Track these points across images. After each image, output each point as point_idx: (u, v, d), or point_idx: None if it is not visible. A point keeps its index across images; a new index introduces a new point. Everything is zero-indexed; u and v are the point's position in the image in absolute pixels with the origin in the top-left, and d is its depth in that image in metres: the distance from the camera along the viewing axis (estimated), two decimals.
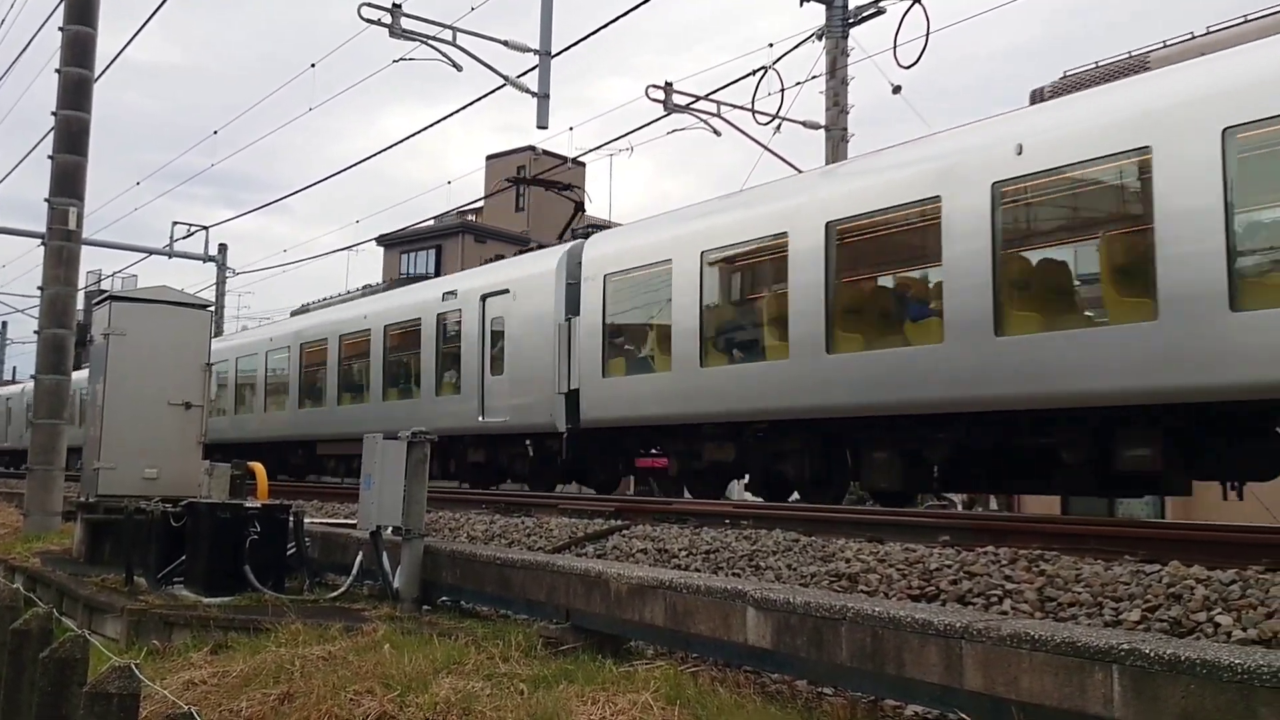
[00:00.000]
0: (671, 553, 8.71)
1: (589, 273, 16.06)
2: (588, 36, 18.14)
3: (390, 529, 8.70)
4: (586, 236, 17.35)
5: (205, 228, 37.24)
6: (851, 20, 18.33)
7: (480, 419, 18.00)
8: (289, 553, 9.78)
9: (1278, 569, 5.82)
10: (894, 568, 7.00)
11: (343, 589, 9.28)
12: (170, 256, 36.80)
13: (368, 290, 25.29)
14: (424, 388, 19.82)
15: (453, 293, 19.41)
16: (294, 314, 27.28)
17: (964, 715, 4.53)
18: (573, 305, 16.37)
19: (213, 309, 16.59)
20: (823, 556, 7.66)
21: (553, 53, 17.20)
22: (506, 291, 17.78)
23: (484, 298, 18.25)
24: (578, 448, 16.61)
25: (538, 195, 45.15)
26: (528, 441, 17.73)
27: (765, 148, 18.56)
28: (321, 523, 11.91)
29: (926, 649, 4.66)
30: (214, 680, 6.63)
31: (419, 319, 20.18)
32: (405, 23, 16.78)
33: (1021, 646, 4.27)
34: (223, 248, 39.29)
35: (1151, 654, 3.86)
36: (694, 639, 6.06)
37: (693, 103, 18.86)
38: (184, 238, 36.69)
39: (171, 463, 12.14)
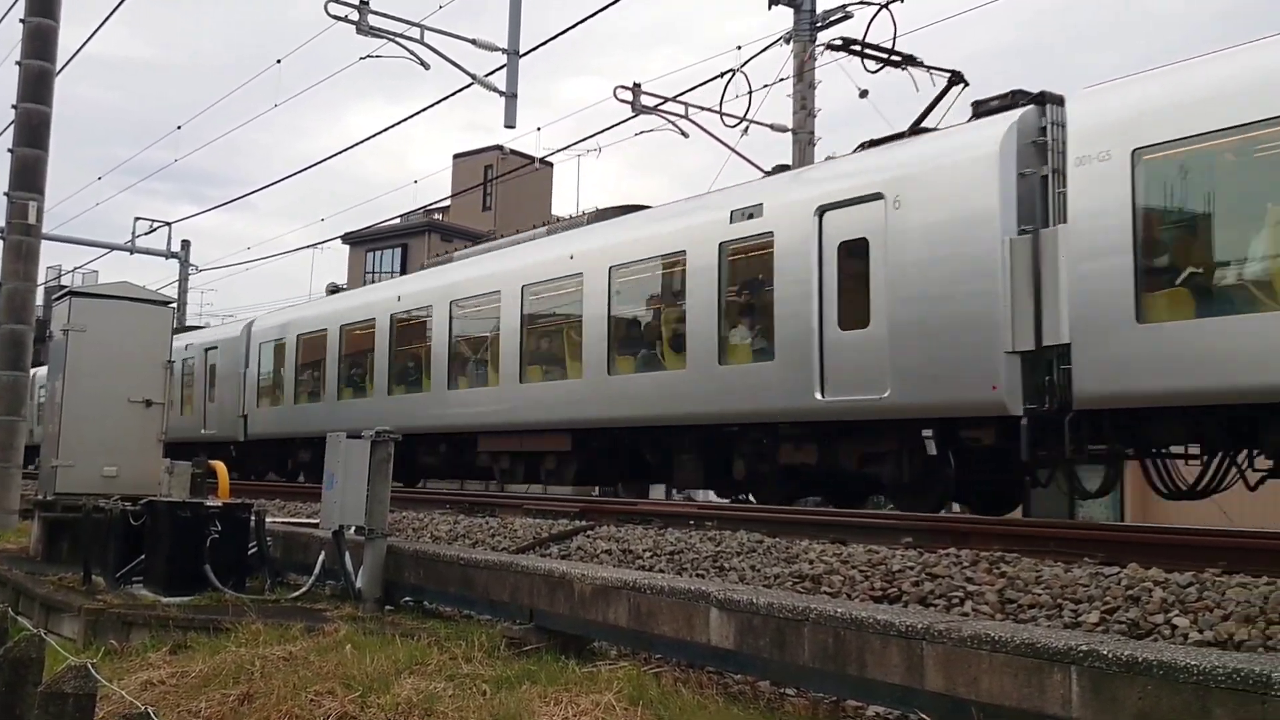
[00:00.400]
0: (636, 554, 8.72)
1: (1088, 150, 9.96)
2: (557, 36, 18.13)
3: (353, 529, 8.64)
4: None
5: (168, 224, 36.90)
6: (819, 24, 18.42)
7: (819, 397, 11.74)
8: (250, 552, 9.69)
9: (1234, 572, 5.91)
10: (857, 569, 7.04)
11: (304, 589, 9.21)
12: (132, 252, 36.38)
13: (552, 227, 18.03)
14: (695, 353, 13.41)
15: (752, 210, 12.94)
16: (429, 264, 21.11)
17: (925, 716, 4.55)
18: (1028, 209, 10.62)
19: (175, 306, 16.42)
20: (786, 558, 7.70)
21: (521, 52, 17.17)
22: (876, 197, 11.47)
23: (823, 211, 11.98)
24: (1038, 442, 10.35)
25: (505, 194, 45.06)
26: (927, 433, 11.16)
27: (733, 150, 18.62)
28: (284, 522, 11.82)
29: (888, 650, 4.68)
30: (173, 680, 6.57)
31: (681, 254, 13.82)
32: (372, 19, 16.70)
33: (982, 647, 4.31)
34: (185, 244, 38.91)
35: (1109, 655, 3.90)
36: (657, 639, 6.06)
37: (661, 104, 18.89)
38: (146, 233, 36.33)
39: (131, 461, 12.01)
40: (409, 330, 19.73)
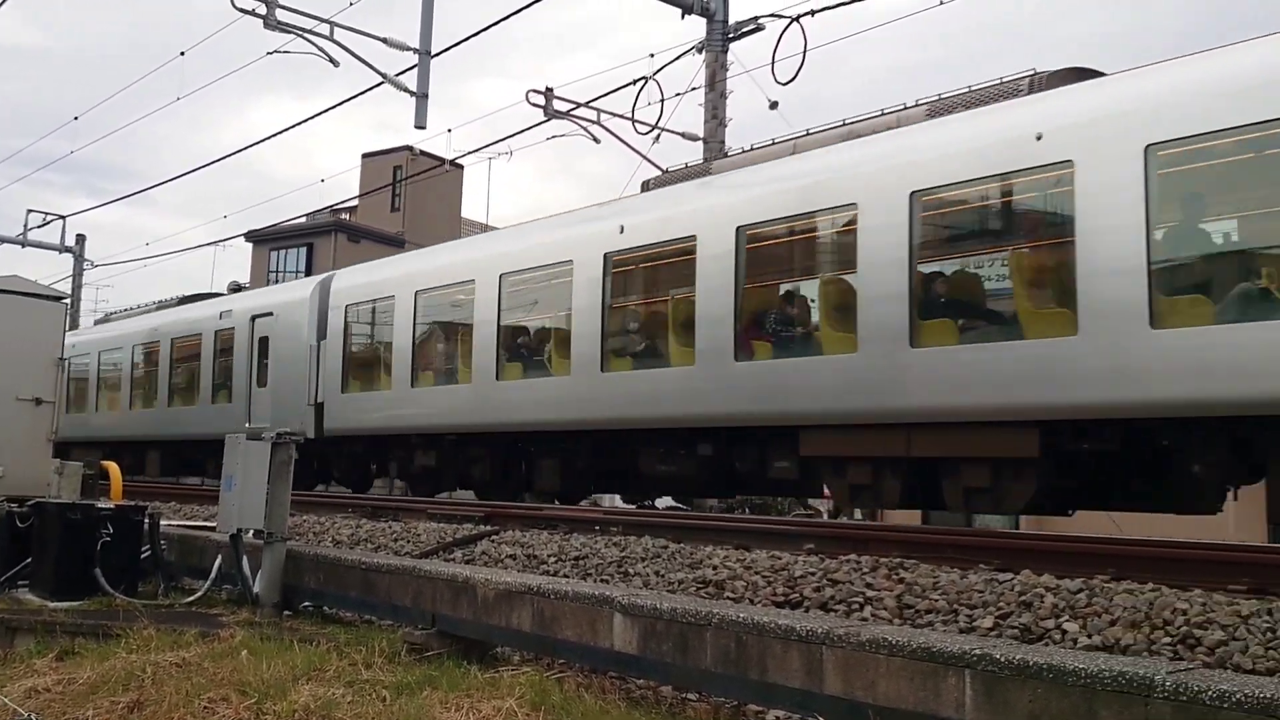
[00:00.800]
0: (540, 559, 8.69)
1: None
2: (470, 38, 18.03)
3: (251, 532, 8.48)
4: None
5: (62, 217, 35.76)
6: (731, 35, 18.59)
7: None
8: (144, 556, 9.46)
9: (1122, 578, 6.10)
10: (760, 575, 7.10)
11: (199, 593, 9.01)
12: (24, 246, 35.17)
13: (935, 106, 11.11)
14: None
15: None
16: (651, 185, 14.15)
17: (823, 719, 4.62)
18: None
19: (68, 301, 15.93)
20: (690, 563, 7.73)
21: (433, 52, 17.02)
22: None
23: None
24: None
25: (415, 196, 44.65)
26: None
27: (644, 157, 18.70)
28: (179, 525, 11.55)
29: (789, 654, 4.74)
30: (59, 687, 6.38)
31: None
32: (280, 14, 16.41)
33: (880, 652, 4.38)
34: (80, 238, 37.78)
35: (1002, 659, 4.00)
36: (561, 644, 6.06)
37: (573, 109, 18.89)
38: (39, 226, 35.17)
39: (19, 461, 11.59)
40: (647, 275, 13.24)
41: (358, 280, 18.15)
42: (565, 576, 7.94)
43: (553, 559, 8.60)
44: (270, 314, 19.97)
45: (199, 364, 21.74)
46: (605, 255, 13.21)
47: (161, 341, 23.22)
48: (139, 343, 24.39)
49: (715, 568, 7.44)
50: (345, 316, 17.88)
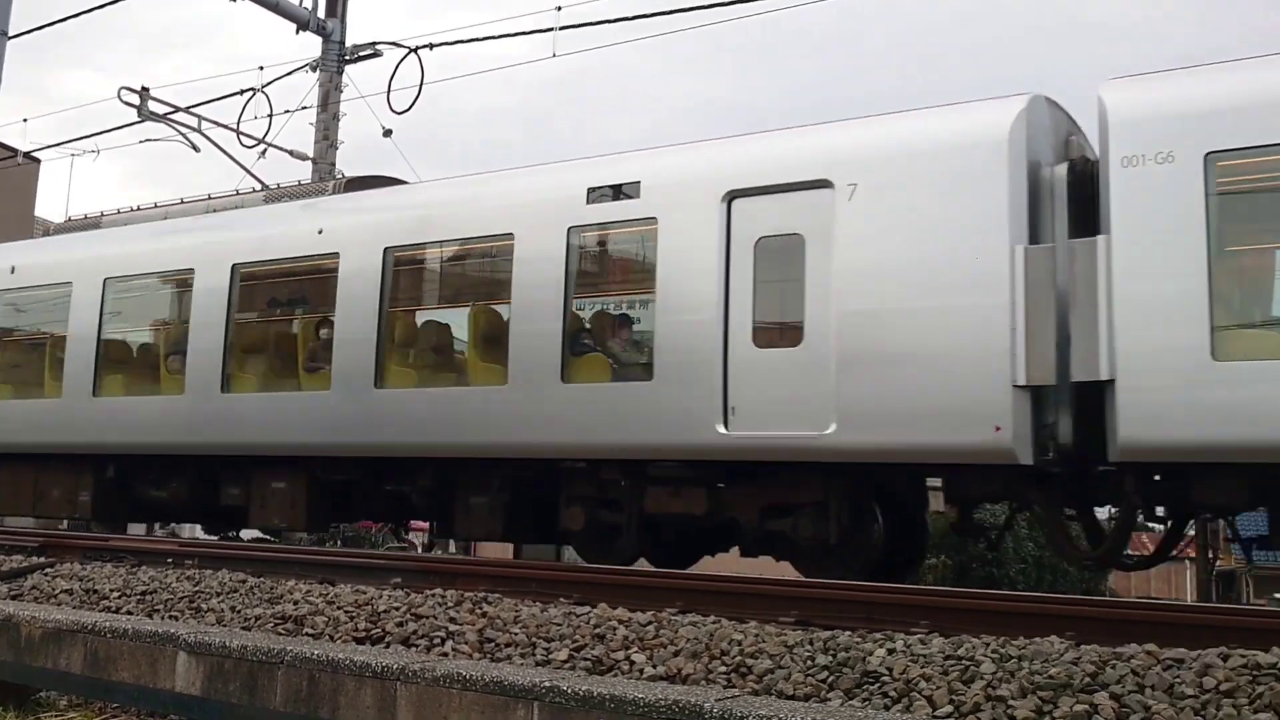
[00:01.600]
0: (102, 594, 8.03)
1: None
2: (59, 22, 16.57)
3: None
4: None
5: None
6: (348, 58, 18.28)
7: None
8: None
9: (689, 611, 6.50)
10: (343, 609, 6.94)
11: None
12: None
13: None
14: None
15: None
16: None
17: None
18: None
19: None
20: (270, 598, 7.43)
21: (10, 33, 15.45)
22: None
23: None
24: None
25: None
26: None
27: (248, 171, 17.87)
28: None
29: (363, 691, 4.67)
30: None
31: None
32: None
33: (454, 686, 4.42)
34: None
35: (569, 690, 4.16)
36: (116, 687, 5.64)
37: (171, 113, 17.77)
38: None
39: None
40: None
41: None
42: (129, 613, 7.38)
43: (116, 594, 7.98)
44: (809, 186, 8.89)
45: (507, 304, 10.31)
46: None
47: (386, 259, 11.01)
48: (305, 254, 11.98)
49: (296, 603, 7.20)
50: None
